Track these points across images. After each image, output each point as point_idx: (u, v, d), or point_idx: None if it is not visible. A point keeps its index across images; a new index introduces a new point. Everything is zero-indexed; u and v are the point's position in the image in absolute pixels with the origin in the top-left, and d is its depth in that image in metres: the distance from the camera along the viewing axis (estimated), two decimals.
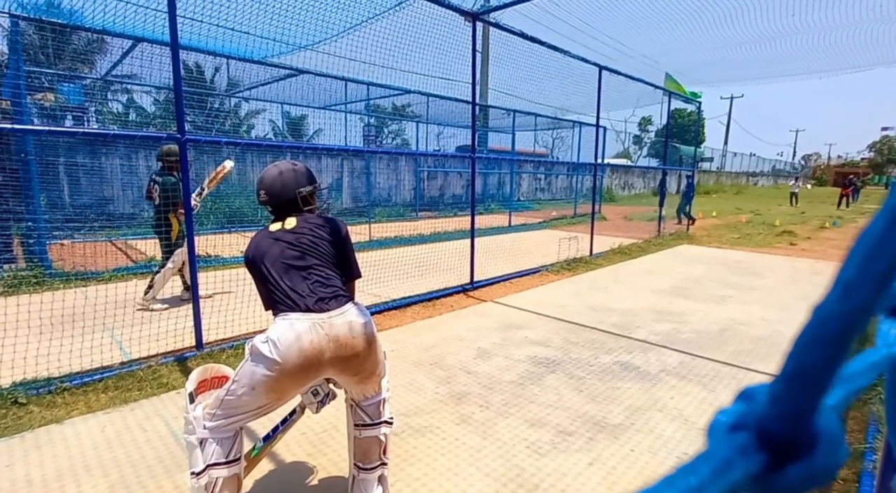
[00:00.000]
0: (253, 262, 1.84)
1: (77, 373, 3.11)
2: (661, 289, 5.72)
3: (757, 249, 8.96)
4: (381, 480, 1.92)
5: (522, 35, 5.75)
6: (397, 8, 5.07)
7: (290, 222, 1.90)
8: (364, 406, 1.86)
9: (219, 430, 1.66)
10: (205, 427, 1.66)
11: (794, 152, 72.11)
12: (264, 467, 2.26)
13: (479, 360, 3.53)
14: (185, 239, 3.71)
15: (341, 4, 5.17)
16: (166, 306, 4.62)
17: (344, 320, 1.72)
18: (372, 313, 4.49)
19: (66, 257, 5.86)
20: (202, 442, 1.66)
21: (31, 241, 5.53)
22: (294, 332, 1.64)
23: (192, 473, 1.65)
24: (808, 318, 0.24)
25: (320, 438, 2.50)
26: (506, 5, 5.34)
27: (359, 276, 1.99)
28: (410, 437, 2.51)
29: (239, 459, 1.72)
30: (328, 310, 1.71)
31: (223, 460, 1.67)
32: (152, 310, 4.52)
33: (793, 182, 22.97)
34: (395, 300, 4.92)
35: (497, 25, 5.53)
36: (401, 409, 2.79)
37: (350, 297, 1.85)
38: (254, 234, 1.94)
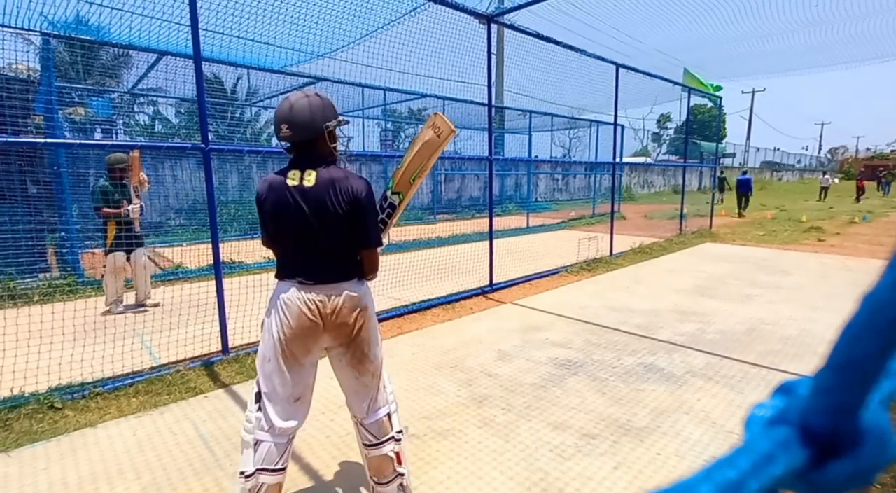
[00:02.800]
0: (264, 210, 1.77)
1: (109, 378, 3.21)
2: (684, 289, 5.62)
3: (783, 245, 8.72)
4: (402, 488, 1.90)
5: (537, 35, 5.73)
6: (412, 13, 5.11)
7: (310, 178, 1.71)
8: (366, 425, 1.84)
9: (275, 432, 1.71)
10: (263, 429, 1.71)
11: (820, 146, 70.04)
12: (289, 470, 2.29)
13: (500, 362, 3.52)
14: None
15: (358, 11, 5.24)
16: (122, 309, 4.74)
17: (341, 292, 1.74)
18: (392, 317, 4.58)
19: (97, 265, 6.05)
20: (257, 444, 1.70)
21: (65, 250, 5.73)
22: (296, 299, 1.71)
23: (242, 473, 1.70)
24: (857, 306, 0.23)
25: (344, 441, 2.53)
26: (520, 6, 5.33)
27: (377, 243, 1.82)
28: (433, 440, 2.52)
29: (285, 469, 1.75)
30: (326, 283, 1.73)
31: (272, 467, 1.70)
32: (113, 313, 4.65)
33: (822, 177, 22.38)
34: (414, 303, 4.94)
35: (512, 27, 5.53)
36: (422, 412, 2.80)
37: (350, 275, 1.78)
38: (268, 176, 1.80)
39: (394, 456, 1.86)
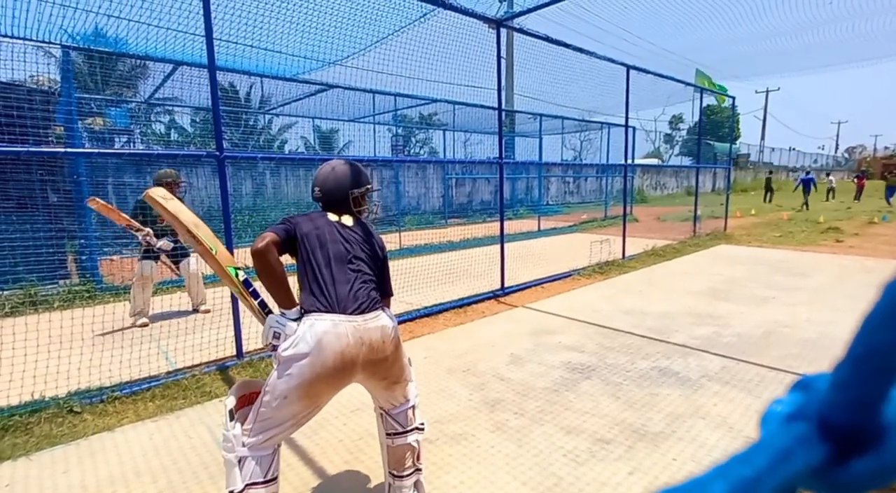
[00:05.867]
0: (305, 236, 1.80)
1: (126, 382, 3.26)
2: (698, 291, 5.54)
3: (800, 247, 8.57)
4: (417, 486, 1.93)
5: (547, 39, 5.73)
6: (422, 19, 5.15)
7: (348, 220, 1.92)
8: (394, 415, 1.88)
9: (257, 447, 1.64)
10: (244, 445, 1.64)
11: (837, 145, 68.79)
12: (303, 474, 2.30)
13: (513, 366, 3.50)
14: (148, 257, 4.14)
15: (368, 18, 5.29)
16: (144, 321, 4.63)
17: (377, 325, 1.73)
18: (404, 321, 4.60)
19: (115, 272, 6.17)
20: (241, 461, 1.64)
21: (84, 257, 5.85)
22: (334, 333, 1.63)
23: (230, 492, 1.64)
24: (878, 296, 0.22)
25: (356, 445, 2.53)
26: (529, 10, 5.34)
27: (392, 294, 2.00)
28: (445, 444, 2.51)
29: (276, 479, 1.70)
30: (364, 313, 1.72)
31: (261, 479, 1.64)
32: (136, 325, 4.55)
33: (827, 177, 22.57)
34: (426, 307, 4.94)
35: (521, 30, 5.54)
36: (435, 416, 2.80)
37: (382, 304, 1.86)
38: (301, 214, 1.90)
39: (416, 446, 1.90)
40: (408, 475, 1.88)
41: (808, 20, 8.19)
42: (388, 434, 1.89)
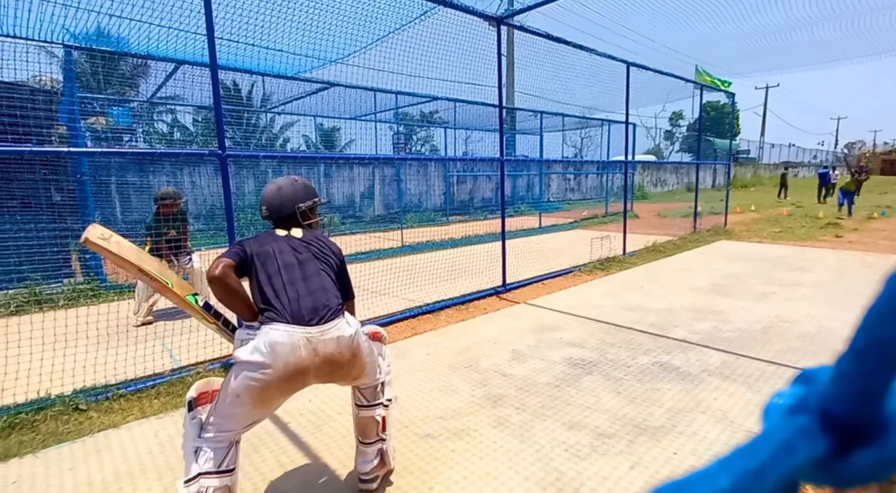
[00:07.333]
0: (256, 254, 1.87)
1: (132, 380, 3.28)
2: (699, 287, 5.56)
3: (800, 242, 8.57)
4: (381, 453, 2.09)
5: (547, 36, 5.73)
6: (423, 17, 5.15)
7: (297, 232, 2.02)
8: (361, 389, 2.03)
9: (212, 440, 1.71)
10: (200, 437, 1.71)
11: (836, 141, 68.62)
12: (306, 470, 2.33)
13: (514, 362, 3.52)
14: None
15: (369, 17, 5.29)
16: (151, 318, 4.68)
17: (333, 335, 1.77)
18: (406, 318, 4.62)
19: (119, 270, 6.19)
20: (196, 451, 1.70)
21: (88, 256, 5.87)
22: (288, 344, 1.69)
23: (184, 481, 1.69)
24: (879, 289, 0.22)
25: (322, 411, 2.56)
26: (529, 8, 5.35)
27: (353, 297, 2.11)
28: (448, 440, 2.53)
29: (232, 470, 1.74)
30: (320, 323, 1.76)
31: (214, 469, 1.69)
32: (141, 324, 4.58)
33: (833, 172, 22.34)
34: (428, 304, 4.96)
35: (521, 28, 5.54)
36: (437, 412, 2.82)
37: (342, 310, 1.89)
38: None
39: (380, 420, 2.06)
40: (371, 443, 2.06)
41: (807, 16, 8.18)
42: (356, 405, 2.06)
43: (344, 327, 1.82)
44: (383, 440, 2.09)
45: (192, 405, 1.79)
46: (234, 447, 1.77)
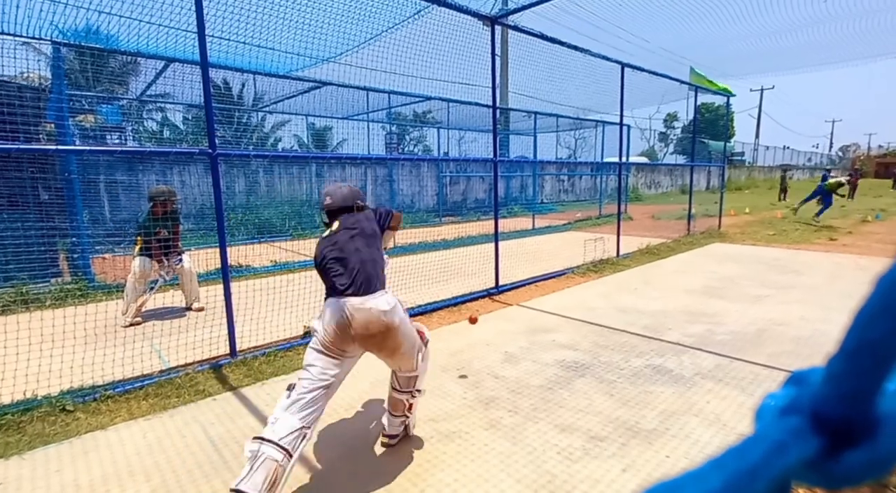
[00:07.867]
0: (317, 265, 2.26)
1: (120, 381, 3.24)
2: (693, 289, 5.57)
3: (794, 245, 8.63)
4: (405, 424, 2.50)
5: (541, 36, 5.73)
6: (416, 16, 5.13)
7: (335, 224, 2.34)
8: (399, 376, 2.37)
9: (297, 407, 1.96)
10: (283, 408, 1.97)
11: (831, 144, 69.23)
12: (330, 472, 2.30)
13: (507, 364, 3.51)
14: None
15: (362, 15, 5.26)
16: (139, 319, 4.61)
17: (367, 306, 2.08)
18: None
19: (107, 270, 6.12)
20: (275, 421, 1.94)
21: (76, 255, 5.80)
22: (337, 311, 2.08)
23: (255, 438, 1.90)
24: (871, 288, 0.22)
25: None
26: (524, 7, 5.34)
27: (392, 213, 2.52)
28: (439, 442, 2.51)
29: (289, 452, 1.89)
30: (361, 295, 2.10)
31: (276, 439, 1.86)
32: (129, 324, 4.51)
33: (830, 175, 22.56)
34: (420, 306, 4.94)
35: (516, 28, 5.53)
36: (429, 414, 2.80)
37: (383, 285, 2.22)
38: (316, 241, 2.37)
39: (407, 404, 2.42)
40: (397, 416, 2.44)
41: (803, 19, 8.23)
42: (392, 387, 2.41)
43: (380, 300, 2.12)
44: (407, 417, 2.48)
45: (291, 387, 2.08)
46: (303, 436, 1.95)
